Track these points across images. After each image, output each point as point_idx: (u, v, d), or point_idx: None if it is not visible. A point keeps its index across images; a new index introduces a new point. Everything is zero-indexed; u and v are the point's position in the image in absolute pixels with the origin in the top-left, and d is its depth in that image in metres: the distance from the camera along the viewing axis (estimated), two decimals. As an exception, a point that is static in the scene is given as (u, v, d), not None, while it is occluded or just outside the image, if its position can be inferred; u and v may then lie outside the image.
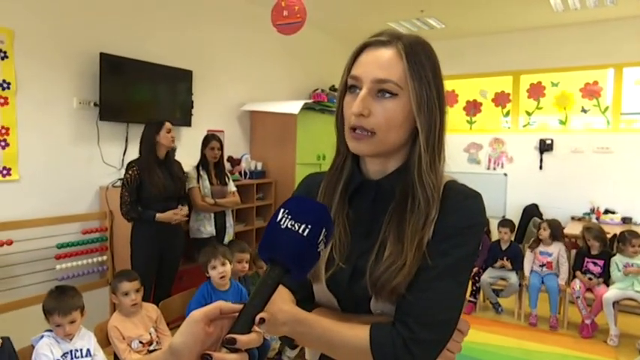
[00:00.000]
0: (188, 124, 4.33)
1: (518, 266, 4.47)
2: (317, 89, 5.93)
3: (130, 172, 3.23)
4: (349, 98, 0.88)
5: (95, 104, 3.58)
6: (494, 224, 4.99)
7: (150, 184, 3.24)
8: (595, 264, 4.14)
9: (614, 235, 4.45)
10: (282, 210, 0.69)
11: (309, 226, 0.66)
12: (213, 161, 3.89)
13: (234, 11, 4.89)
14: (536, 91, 6.14)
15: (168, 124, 3.38)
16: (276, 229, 0.67)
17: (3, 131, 3.11)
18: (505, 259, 4.52)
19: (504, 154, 6.29)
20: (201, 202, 3.73)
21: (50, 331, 2.18)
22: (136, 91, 3.85)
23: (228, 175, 4.13)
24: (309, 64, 6.07)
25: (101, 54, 3.52)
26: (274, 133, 5.01)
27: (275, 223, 0.68)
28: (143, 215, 3.23)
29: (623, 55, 5.52)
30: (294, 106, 4.71)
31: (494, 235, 4.93)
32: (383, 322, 0.82)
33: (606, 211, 5.49)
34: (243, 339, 0.61)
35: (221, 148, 3.92)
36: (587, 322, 3.99)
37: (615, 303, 3.86)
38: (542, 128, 6.16)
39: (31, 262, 3.24)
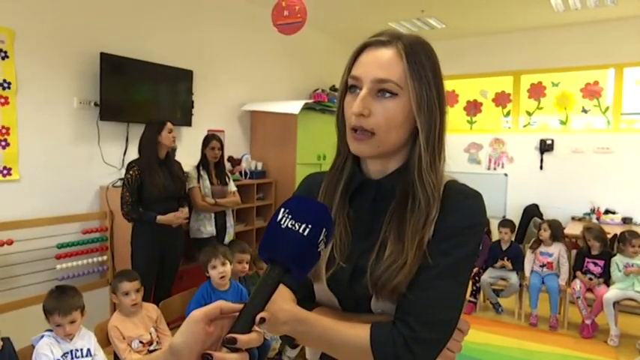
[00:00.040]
0: (188, 124, 4.33)
1: (518, 266, 4.46)
2: (317, 89, 5.93)
3: (131, 172, 3.23)
4: (350, 98, 0.88)
5: (95, 104, 3.58)
6: (494, 224, 4.99)
7: (151, 184, 3.24)
8: (595, 264, 4.14)
9: (615, 235, 4.45)
10: (282, 210, 0.69)
11: (310, 226, 0.66)
12: (213, 161, 3.89)
13: (234, 11, 4.90)
14: (537, 91, 6.14)
15: (169, 125, 3.38)
16: (276, 228, 0.67)
17: (3, 131, 3.11)
18: (505, 259, 4.52)
19: (505, 154, 6.29)
20: (201, 201, 3.73)
21: (50, 330, 2.18)
22: (137, 91, 3.85)
23: (229, 175, 4.13)
24: (310, 64, 6.07)
25: (101, 54, 3.52)
26: (275, 133, 5.01)
27: (275, 223, 0.68)
28: (144, 217, 3.24)
29: (624, 55, 5.52)
30: (294, 106, 4.71)
31: (495, 236, 4.92)
32: (383, 321, 0.82)
33: (607, 212, 5.49)
34: (243, 338, 0.61)
35: (221, 148, 3.92)
36: (588, 322, 3.99)
37: (616, 303, 3.86)
38: (543, 128, 6.16)
39: (32, 262, 3.24)
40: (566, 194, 5.82)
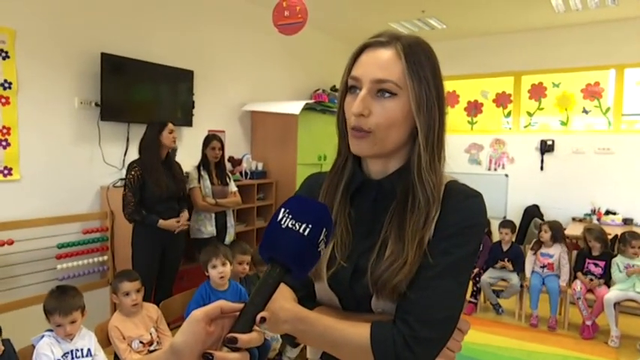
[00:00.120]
0: (189, 124, 4.33)
1: (519, 267, 4.46)
2: (318, 89, 5.93)
3: (133, 172, 3.24)
4: (350, 99, 0.89)
5: (96, 104, 3.58)
6: (495, 225, 4.99)
7: (153, 183, 3.25)
8: (596, 265, 4.13)
9: (615, 236, 4.45)
10: (282, 210, 0.69)
11: (310, 226, 0.66)
12: (214, 161, 3.89)
13: (235, 11, 4.90)
14: (538, 92, 6.14)
15: (170, 125, 3.39)
16: (276, 228, 0.67)
17: (4, 131, 3.12)
18: (506, 260, 4.51)
19: (505, 154, 6.29)
20: (202, 202, 3.73)
21: (51, 330, 2.18)
22: (137, 91, 3.85)
23: (229, 175, 4.13)
24: (310, 65, 6.07)
25: (102, 54, 3.53)
26: (275, 134, 5.01)
27: (276, 223, 0.68)
28: (146, 220, 3.24)
29: (625, 55, 5.51)
30: (295, 107, 4.72)
31: (496, 236, 4.92)
32: (384, 321, 0.82)
33: (607, 212, 5.48)
34: (244, 338, 0.61)
35: (222, 148, 3.93)
36: (588, 323, 3.99)
37: (616, 304, 3.85)
38: (544, 129, 6.16)
39: (32, 262, 3.24)
40: (566, 195, 5.82)
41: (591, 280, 4.08)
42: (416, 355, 0.77)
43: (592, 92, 5.82)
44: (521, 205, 5.99)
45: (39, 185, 3.32)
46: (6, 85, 3.10)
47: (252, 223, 4.73)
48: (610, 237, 4.33)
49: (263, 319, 0.63)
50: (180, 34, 4.30)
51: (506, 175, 6.26)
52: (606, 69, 5.72)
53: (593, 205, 5.61)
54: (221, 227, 3.91)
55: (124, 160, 3.79)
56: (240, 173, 4.73)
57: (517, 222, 5.32)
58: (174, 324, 2.88)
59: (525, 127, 6.26)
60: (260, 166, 4.96)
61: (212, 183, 3.86)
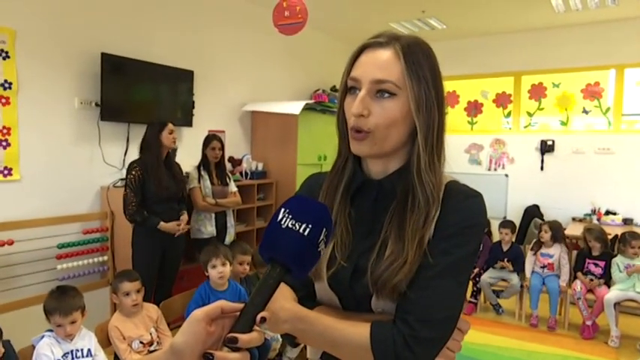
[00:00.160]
0: (189, 124, 4.33)
1: (519, 267, 4.46)
2: (318, 90, 5.93)
3: (134, 172, 3.24)
4: (349, 99, 0.89)
5: (96, 104, 3.58)
6: (495, 225, 4.99)
7: (154, 184, 3.26)
8: (596, 265, 4.13)
9: (616, 236, 4.45)
10: (282, 210, 0.69)
11: (310, 226, 0.66)
12: (214, 161, 3.89)
13: (235, 12, 4.90)
14: (538, 92, 6.14)
15: (170, 125, 3.40)
16: (277, 228, 0.68)
17: (4, 131, 3.12)
18: (506, 260, 4.51)
19: (505, 154, 6.29)
20: (202, 202, 3.73)
21: (51, 331, 2.18)
22: (137, 92, 3.85)
23: (229, 175, 4.14)
24: (311, 65, 6.07)
25: (102, 54, 3.53)
26: (275, 134, 5.02)
27: (276, 223, 0.68)
28: (147, 221, 3.24)
29: (625, 56, 5.51)
30: (295, 107, 4.72)
31: (496, 236, 4.92)
32: (384, 320, 0.82)
33: (607, 212, 5.48)
34: (244, 338, 0.61)
35: (222, 148, 3.93)
36: (588, 323, 3.99)
37: (616, 304, 3.85)
38: (544, 129, 6.16)
39: (32, 262, 3.24)
40: (566, 195, 5.82)
41: (591, 280, 4.08)
42: (416, 354, 0.78)
43: (592, 92, 5.82)
44: (522, 205, 5.99)
45: (39, 185, 3.32)
46: (6, 85, 3.10)
47: (252, 223, 4.73)
48: (610, 237, 4.33)
49: (263, 319, 0.63)
50: (180, 34, 4.30)
51: (507, 175, 6.26)
52: (606, 69, 5.72)
53: (593, 205, 5.61)
54: (221, 227, 3.91)
55: (124, 161, 3.79)
56: (240, 173, 4.73)
57: (517, 222, 5.32)
58: (174, 324, 2.88)
59: (525, 127, 6.26)
60: (260, 167, 4.96)
61: (212, 183, 3.86)
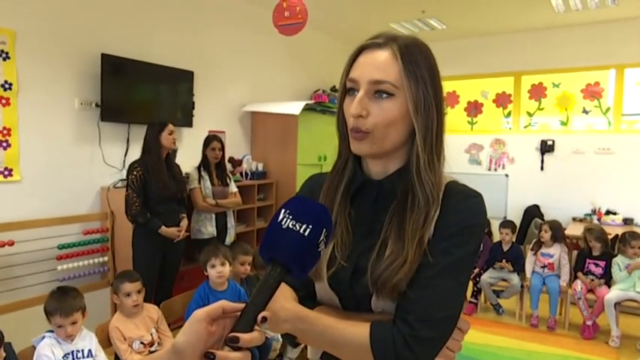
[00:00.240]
0: (189, 124, 4.34)
1: (519, 268, 4.46)
2: (318, 90, 5.94)
3: (135, 172, 3.24)
4: (348, 100, 0.90)
5: (96, 105, 3.58)
6: (495, 225, 4.99)
7: (156, 184, 3.26)
8: (596, 265, 4.14)
9: (616, 236, 4.45)
10: (283, 210, 0.69)
11: (310, 226, 0.67)
12: (214, 162, 3.90)
13: (235, 12, 4.90)
14: (538, 92, 6.14)
15: (170, 126, 3.40)
16: (277, 229, 0.68)
17: (5, 132, 3.12)
18: (504, 261, 4.51)
19: (505, 154, 6.29)
20: (202, 202, 3.74)
21: (51, 331, 2.19)
22: (138, 92, 3.86)
23: (230, 175, 4.14)
24: (311, 65, 6.07)
25: (102, 55, 3.53)
26: (275, 134, 5.02)
27: (276, 223, 0.68)
28: (149, 223, 3.25)
29: (625, 56, 5.52)
30: (295, 107, 4.72)
31: (496, 236, 4.92)
32: (384, 320, 0.82)
33: (607, 212, 5.48)
34: (245, 337, 0.61)
35: (222, 148, 3.93)
36: (589, 323, 3.99)
37: (617, 304, 3.86)
38: (544, 129, 6.16)
39: (33, 263, 3.24)
40: (567, 195, 5.82)
41: (592, 280, 4.08)
42: (416, 354, 0.78)
43: (592, 92, 5.82)
44: (522, 205, 5.99)
45: (39, 186, 3.32)
46: (6, 86, 3.10)
47: (252, 223, 4.73)
48: (610, 237, 4.33)
49: (264, 319, 0.63)
50: (180, 35, 4.30)
51: (507, 175, 6.26)
52: (606, 69, 5.73)
53: (594, 205, 5.61)
54: (221, 228, 3.91)
55: (124, 161, 3.79)
56: (241, 174, 4.73)
57: (517, 222, 5.32)
58: (174, 324, 2.88)
59: (525, 127, 6.26)
60: (260, 167, 4.96)
61: (212, 184, 3.87)
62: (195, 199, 3.73)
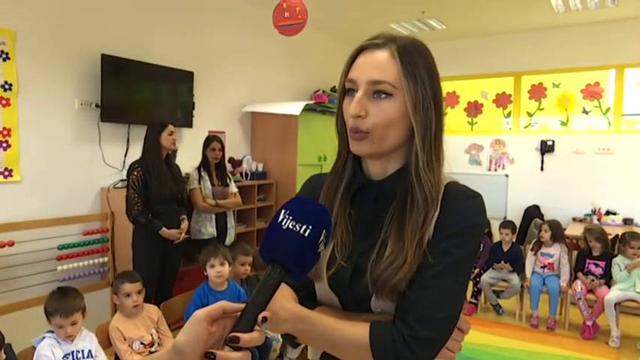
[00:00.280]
0: (189, 125, 4.34)
1: (519, 268, 4.46)
2: (318, 90, 5.94)
3: (135, 172, 3.24)
4: (347, 101, 0.90)
5: (96, 105, 3.58)
6: (495, 225, 4.99)
7: (156, 183, 3.26)
8: (596, 265, 4.14)
9: (616, 236, 4.45)
10: (283, 211, 0.70)
11: (310, 227, 0.67)
12: (214, 162, 3.90)
13: (235, 12, 4.90)
14: (538, 92, 6.14)
15: (170, 127, 3.40)
16: (277, 229, 0.68)
17: (4, 132, 3.12)
18: (503, 262, 4.51)
19: (505, 155, 6.29)
20: (202, 203, 3.74)
21: (51, 332, 2.19)
22: (138, 93, 3.86)
23: (230, 176, 4.14)
24: (311, 65, 6.07)
25: (102, 55, 3.53)
26: (275, 134, 5.02)
27: (276, 224, 0.69)
28: (150, 224, 3.25)
29: (625, 56, 5.52)
30: (295, 107, 4.72)
31: (496, 237, 4.92)
32: (383, 320, 0.82)
33: (607, 213, 5.48)
34: (245, 337, 0.61)
35: (222, 149, 3.94)
36: (589, 323, 3.99)
37: (617, 304, 3.86)
38: (544, 129, 6.16)
39: (33, 264, 3.24)
40: (567, 195, 5.82)
41: (592, 280, 4.08)
42: (415, 354, 0.78)
43: (592, 92, 5.83)
44: (522, 205, 5.99)
45: (39, 186, 3.32)
46: (6, 86, 3.11)
47: (252, 224, 4.73)
48: (610, 237, 4.33)
49: (264, 319, 0.63)
50: (180, 35, 4.30)
51: (507, 176, 6.26)
52: (606, 69, 5.73)
53: (594, 206, 5.61)
54: (221, 228, 3.91)
55: (124, 161, 3.79)
56: (241, 174, 4.74)
57: (517, 222, 5.32)
58: (174, 325, 2.88)
59: (525, 127, 6.26)
60: (260, 167, 4.96)
61: (212, 184, 3.87)
62: (195, 200, 3.73)
